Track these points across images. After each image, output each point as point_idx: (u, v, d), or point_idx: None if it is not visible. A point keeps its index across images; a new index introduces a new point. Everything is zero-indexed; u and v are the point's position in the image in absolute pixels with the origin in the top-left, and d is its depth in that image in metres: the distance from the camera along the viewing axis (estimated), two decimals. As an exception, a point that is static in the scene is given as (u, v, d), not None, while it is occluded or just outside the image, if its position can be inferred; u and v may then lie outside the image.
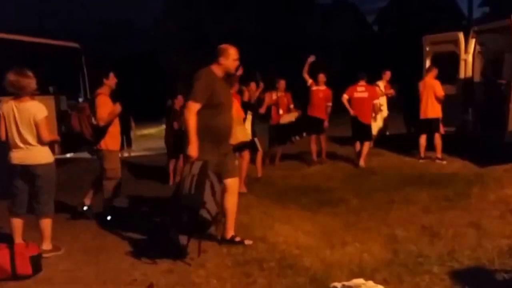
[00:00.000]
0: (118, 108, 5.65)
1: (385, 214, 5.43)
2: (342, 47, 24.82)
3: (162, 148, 9.14)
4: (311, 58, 8.80)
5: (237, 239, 4.52)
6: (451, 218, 5.16)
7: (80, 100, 11.72)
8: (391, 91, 10.27)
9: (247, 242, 4.49)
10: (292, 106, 9.03)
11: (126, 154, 12.90)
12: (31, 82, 4.40)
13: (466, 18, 28.25)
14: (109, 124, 5.63)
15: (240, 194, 6.70)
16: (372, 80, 9.65)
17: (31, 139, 4.39)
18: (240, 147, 6.99)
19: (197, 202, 4.04)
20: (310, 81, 9.00)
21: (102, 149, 5.68)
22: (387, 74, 10.27)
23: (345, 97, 8.70)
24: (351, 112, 8.67)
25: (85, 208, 5.87)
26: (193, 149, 4.17)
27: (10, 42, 9.93)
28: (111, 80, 5.76)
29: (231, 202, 4.52)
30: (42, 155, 4.45)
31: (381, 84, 10.21)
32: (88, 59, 12.00)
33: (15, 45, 9.96)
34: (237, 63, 4.47)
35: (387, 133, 10.68)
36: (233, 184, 4.51)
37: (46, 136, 4.40)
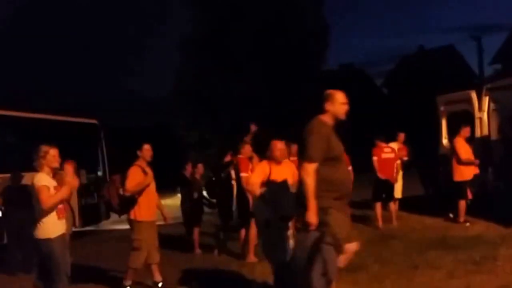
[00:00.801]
0: (147, 179, 5.72)
1: (409, 281, 5.22)
2: (351, 111, 25.08)
3: (177, 217, 9.00)
4: None
5: None
6: (478, 283, 4.95)
7: (99, 173, 11.94)
8: (405, 154, 10.14)
9: None
10: None
11: None
12: (37, 157, 4.49)
13: (477, 76, 28.62)
14: (137, 194, 5.68)
15: (254, 263, 6.62)
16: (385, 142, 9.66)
17: (36, 212, 4.46)
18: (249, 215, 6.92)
19: (304, 282, 3.74)
20: None
21: (130, 219, 5.77)
22: (401, 136, 10.20)
23: (375, 159, 8.77)
24: (379, 174, 8.68)
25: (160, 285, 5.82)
26: (312, 216, 3.67)
27: (33, 120, 10.32)
28: (145, 152, 5.84)
29: None
30: (41, 230, 4.44)
31: (395, 145, 10.14)
32: (105, 132, 12.34)
33: (37, 123, 10.34)
34: (346, 107, 4.06)
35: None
36: (356, 248, 3.99)
37: (45, 201, 4.32)
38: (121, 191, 5.72)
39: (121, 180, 5.82)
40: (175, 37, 24.02)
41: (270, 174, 4.98)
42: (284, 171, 5.08)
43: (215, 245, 7.91)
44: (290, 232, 4.91)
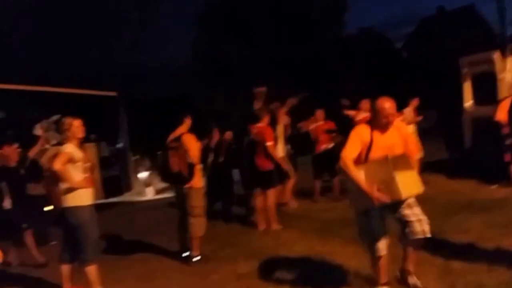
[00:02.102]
0: (199, 145, 5.79)
1: (437, 245, 5.17)
2: (371, 75, 24.66)
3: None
4: (346, 102, 8.63)
5: None
6: (507, 245, 4.86)
7: (120, 145, 12.03)
8: (418, 118, 9.99)
9: None
10: (334, 134, 8.79)
11: None
12: (62, 130, 4.55)
13: (498, 36, 27.77)
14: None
15: (279, 231, 6.64)
16: (401, 107, 9.55)
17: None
18: (265, 183, 6.85)
19: None
20: (353, 113, 8.57)
21: (191, 187, 5.69)
22: (415, 102, 9.99)
23: None
24: None
25: (195, 258, 5.70)
26: None
27: (53, 94, 10.38)
28: (189, 120, 5.86)
29: None
30: (71, 198, 4.46)
31: (408, 111, 9.93)
32: (125, 103, 12.38)
33: (58, 97, 10.40)
34: None
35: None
36: None
37: (55, 164, 4.33)
38: (188, 160, 5.59)
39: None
40: (191, 7, 23.80)
41: (371, 144, 3.79)
42: (392, 139, 3.85)
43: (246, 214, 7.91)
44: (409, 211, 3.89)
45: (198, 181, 5.75)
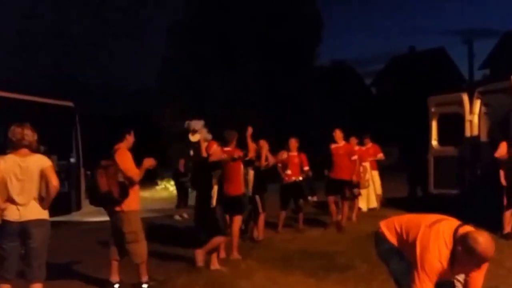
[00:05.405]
0: (152, 161, 5.50)
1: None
2: (341, 108, 25.41)
3: (159, 210, 8.89)
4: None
5: None
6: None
7: (72, 160, 11.74)
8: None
9: None
10: (306, 168, 8.97)
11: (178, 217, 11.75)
12: (34, 140, 4.48)
13: (466, 80, 29.30)
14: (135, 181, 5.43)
15: (239, 260, 6.66)
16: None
17: (34, 193, 4.40)
18: (234, 208, 6.88)
19: None
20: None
21: (122, 210, 5.37)
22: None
23: None
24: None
25: (144, 286, 5.41)
26: None
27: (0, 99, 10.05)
28: (131, 137, 5.62)
29: None
30: (40, 211, 4.40)
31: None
32: (82, 118, 12.12)
33: (5, 103, 10.07)
34: None
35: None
36: None
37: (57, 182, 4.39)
38: (120, 178, 5.31)
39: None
40: (161, 22, 23.72)
41: None
42: None
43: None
44: None
45: (133, 203, 5.43)
